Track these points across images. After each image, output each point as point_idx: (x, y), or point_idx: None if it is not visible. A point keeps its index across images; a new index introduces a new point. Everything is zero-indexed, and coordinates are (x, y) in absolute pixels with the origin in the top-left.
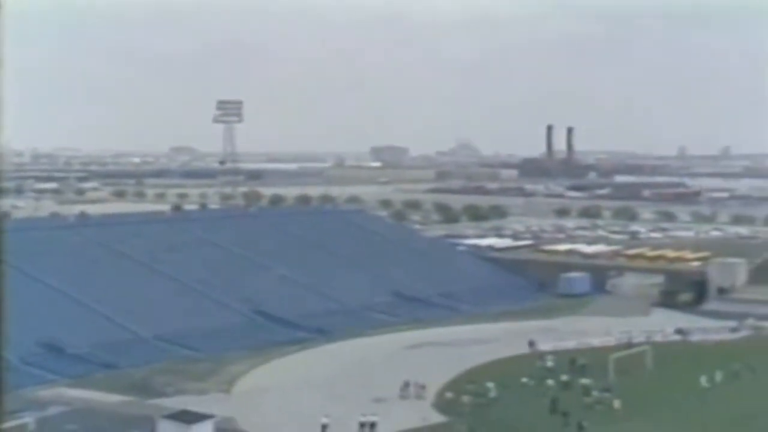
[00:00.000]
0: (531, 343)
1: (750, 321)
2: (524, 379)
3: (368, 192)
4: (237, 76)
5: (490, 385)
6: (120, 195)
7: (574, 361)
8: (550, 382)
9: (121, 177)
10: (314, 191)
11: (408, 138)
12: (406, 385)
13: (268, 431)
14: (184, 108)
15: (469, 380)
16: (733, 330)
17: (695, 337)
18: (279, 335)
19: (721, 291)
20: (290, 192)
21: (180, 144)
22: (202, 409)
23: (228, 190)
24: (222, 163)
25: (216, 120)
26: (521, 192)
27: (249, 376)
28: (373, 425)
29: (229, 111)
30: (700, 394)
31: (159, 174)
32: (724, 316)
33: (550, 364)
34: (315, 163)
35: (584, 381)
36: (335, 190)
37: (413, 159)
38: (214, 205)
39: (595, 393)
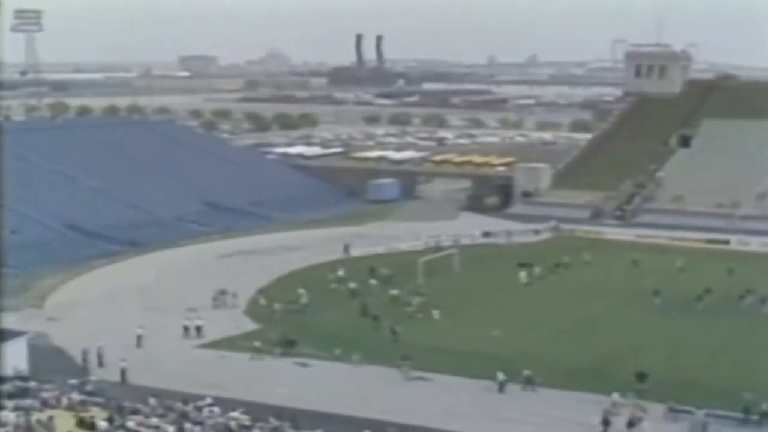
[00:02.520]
0: (346, 248)
1: (552, 223)
2: (334, 285)
3: (177, 102)
4: None
5: (302, 291)
6: None
7: (373, 270)
8: (352, 285)
9: None
10: (122, 102)
11: (216, 47)
12: (219, 293)
13: (82, 345)
14: None
15: (281, 287)
16: (537, 232)
17: (501, 239)
18: (91, 248)
19: (526, 195)
20: (97, 103)
21: None
22: (14, 326)
23: (33, 101)
24: (23, 73)
25: (14, 29)
26: (331, 100)
27: (62, 291)
28: (199, 328)
29: (27, 20)
30: (503, 292)
31: None
32: (529, 218)
33: (373, 269)
34: (121, 73)
35: (394, 288)
36: (143, 101)
37: (222, 68)
38: (18, 117)
39: (406, 297)
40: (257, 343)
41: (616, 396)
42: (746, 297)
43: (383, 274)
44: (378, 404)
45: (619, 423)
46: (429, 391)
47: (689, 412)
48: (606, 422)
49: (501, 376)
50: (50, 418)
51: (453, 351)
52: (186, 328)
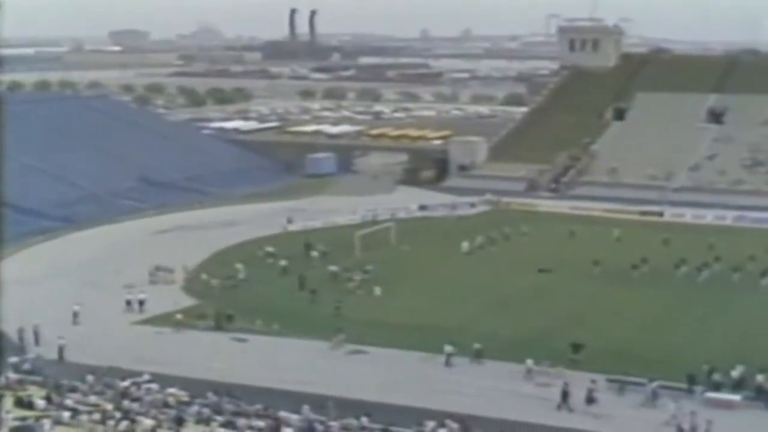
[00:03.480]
0: (289, 220)
1: (488, 196)
2: (270, 260)
3: (109, 77)
4: None
5: (239, 266)
6: None
7: (309, 246)
8: (283, 262)
9: None
10: (53, 77)
11: (148, 22)
12: (156, 269)
13: (18, 323)
14: None
15: (218, 262)
16: (473, 205)
17: (437, 213)
18: (25, 225)
19: (462, 168)
20: (28, 78)
21: None
22: None
23: None
24: None
25: None
26: (265, 75)
27: None
28: (141, 302)
29: None
30: (441, 265)
31: None
32: (465, 191)
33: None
34: (52, 48)
35: (333, 264)
36: (75, 76)
37: (154, 43)
38: None
39: (347, 272)
40: (189, 318)
41: (529, 363)
42: (681, 266)
43: (319, 251)
44: (317, 378)
45: (554, 394)
46: (368, 365)
47: (624, 383)
48: (565, 395)
49: (448, 348)
50: None
51: (392, 324)
52: (128, 302)
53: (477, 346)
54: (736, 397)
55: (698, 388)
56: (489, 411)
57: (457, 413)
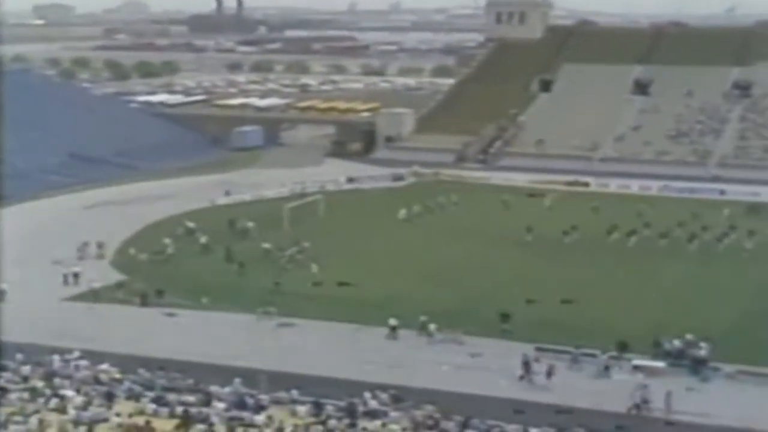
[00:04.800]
0: (227, 193)
1: (415, 168)
2: (199, 234)
3: (33, 50)
4: None
5: (168, 240)
6: None
7: (233, 222)
8: (203, 240)
9: None
10: None
11: None
12: (85, 245)
13: None
14: None
15: (147, 237)
16: (400, 177)
17: (366, 185)
18: None
19: (390, 140)
20: None
21: None
22: None
23: None
24: None
25: None
26: (192, 48)
27: None
28: (76, 275)
29: None
30: (370, 236)
31: None
32: (392, 163)
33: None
34: None
35: (264, 239)
36: None
37: (79, 17)
38: None
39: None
40: (118, 293)
41: (432, 328)
42: (613, 233)
43: (241, 227)
44: (247, 352)
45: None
46: (298, 338)
47: (557, 351)
48: (527, 366)
49: (393, 321)
50: None
51: (325, 297)
52: (65, 276)
53: (423, 318)
54: (660, 364)
55: (626, 356)
56: (424, 382)
57: (391, 384)
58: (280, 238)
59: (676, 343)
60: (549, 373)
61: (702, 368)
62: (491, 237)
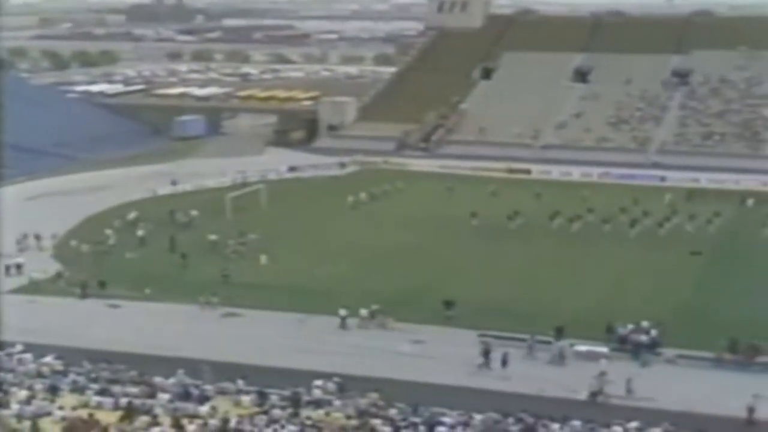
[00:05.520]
0: (173, 182)
1: (357, 156)
2: (142, 224)
3: None
4: None
5: (110, 232)
6: None
7: (173, 212)
8: (140, 232)
9: None
10: None
11: None
12: (24, 237)
13: None
14: None
15: (89, 229)
16: (342, 165)
17: (308, 173)
18: None
19: (332, 128)
20: None
21: None
22: None
23: None
24: None
25: None
26: (130, 37)
27: None
28: (19, 266)
29: None
30: (314, 225)
31: None
32: (335, 152)
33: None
34: None
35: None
36: None
37: (15, 6)
38: None
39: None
40: (59, 285)
41: (363, 312)
42: (556, 218)
43: (186, 218)
44: (191, 342)
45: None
46: (242, 327)
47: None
48: (487, 354)
49: (343, 312)
50: None
51: (271, 286)
52: (7, 267)
53: (374, 307)
54: (603, 349)
55: (567, 341)
56: (368, 370)
57: (335, 373)
58: (223, 227)
59: (631, 327)
60: (504, 361)
61: (643, 353)
62: (437, 223)
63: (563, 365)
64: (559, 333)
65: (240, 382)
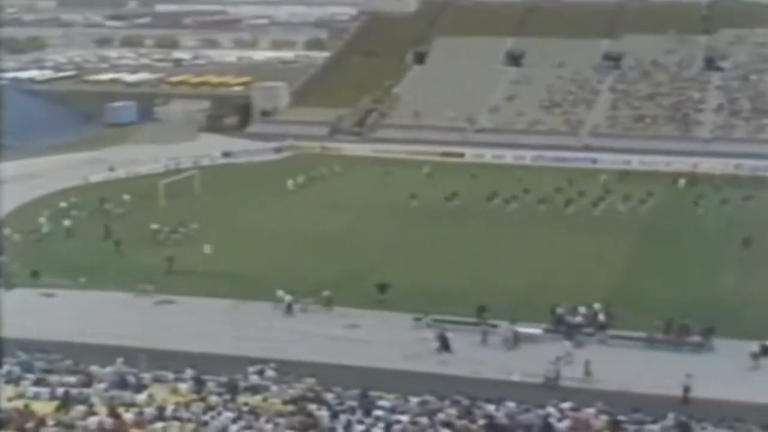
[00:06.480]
0: (111, 168)
1: (289, 141)
2: (74, 212)
3: None
4: None
5: (42, 220)
6: None
7: (103, 201)
8: (67, 222)
9: None
10: None
11: None
12: None
13: None
14: None
15: (21, 217)
16: (277, 150)
17: (241, 159)
18: None
19: (265, 114)
20: None
21: None
22: None
23: None
24: None
25: None
26: (59, 23)
27: None
28: None
29: None
30: (249, 210)
31: None
32: (268, 137)
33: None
34: None
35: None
36: None
37: None
38: None
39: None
40: None
41: (281, 293)
42: (493, 199)
43: (119, 205)
44: (128, 330)
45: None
46: (178, 315)
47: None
48: (443, 340)
49: (288, 298)
50: None
51: (207, 273)
52: None
53: (326, 293)
54: (538, 331)
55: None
56: (303, 355)
57: (273, 359)
58: (157, 214)
59: (582, 310)
60: (444, 345)
61: (575, 334)
62: (375, 207)
63: (515, 348)
64: (481, 312)
65: (177, 370)
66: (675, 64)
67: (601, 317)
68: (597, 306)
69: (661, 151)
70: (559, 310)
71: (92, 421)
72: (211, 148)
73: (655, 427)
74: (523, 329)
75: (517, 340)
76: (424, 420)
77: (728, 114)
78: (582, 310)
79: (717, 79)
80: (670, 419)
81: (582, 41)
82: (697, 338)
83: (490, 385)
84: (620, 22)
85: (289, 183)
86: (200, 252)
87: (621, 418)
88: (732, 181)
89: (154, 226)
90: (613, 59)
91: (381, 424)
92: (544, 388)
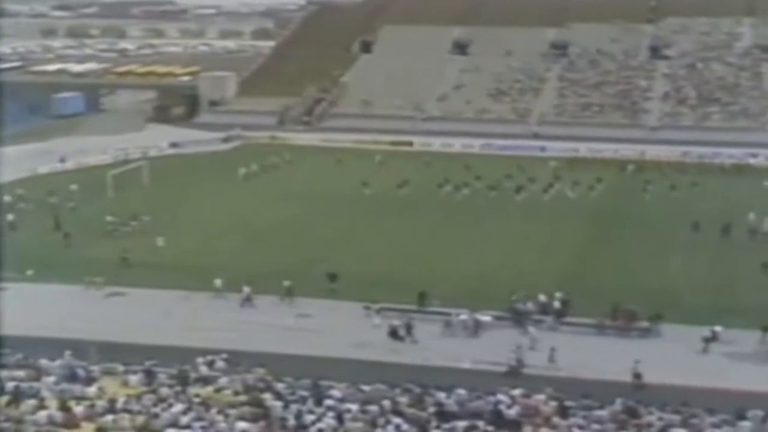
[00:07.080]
0: (62, 159)
1: (237, 131)
2: (21, 205)
3: None
4: None
5: None
6: None
7: (51, 192)
8: (10, 217)
9: None
10: None
11: None
12: None
13: None
14: None
15: None
16: (225, 140)
17: (189, 149)
18: None
19: (213, 104)
20: None
21: None
22: None
23: None
24: None
25: None
26: (4, 13)
27: None
28: None
29: None
30: (196, 201)
31: None
32: (216, 127)
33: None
34: None
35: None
36: None
37: None
38: None
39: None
40: None
41: (218, 282)
42: (445, 186)
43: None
44: (77, 323)
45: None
46: (128, 307)
47: (392, 309)
48: (408, 329)
49: (246, 289)
50: None
51: (158, 265)
52: None
53: (287, 283)
54: (486, 318)
55: (463, 311)
56: (254, 345)
57: (222, 349)
58: (105, 206)
59: (542, 298)
60: (394, 333)
61: (525, 321)
62: (327, 195)
63: (477, 337)
64: (422, 298)
65: (127, 362)
66: (621, 52)
67: (557, 304)
68: (558, 294)
69: (609, 139)
70: (513, 297)
71: (42, 415)
72: (159, 138)
73: (603, 412)
74: (465, 316)
75: (477, 328)
76: (374, 408)
77: (675, 102)
78: (542, 298)
79: (663, 68)
80: (618, 404)
81: (529, 30)
82: (644, 324)
83: (447, 373)
84: (567, 11)
85: (240, 172)
86: (153, 244)
87: (569, 403)
88: (679, 167)
89: (109, 218)
90: (560, 48)
91: (332, 414)
92: (507, 376)
